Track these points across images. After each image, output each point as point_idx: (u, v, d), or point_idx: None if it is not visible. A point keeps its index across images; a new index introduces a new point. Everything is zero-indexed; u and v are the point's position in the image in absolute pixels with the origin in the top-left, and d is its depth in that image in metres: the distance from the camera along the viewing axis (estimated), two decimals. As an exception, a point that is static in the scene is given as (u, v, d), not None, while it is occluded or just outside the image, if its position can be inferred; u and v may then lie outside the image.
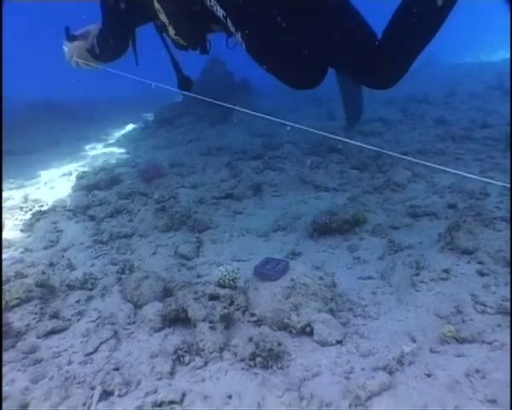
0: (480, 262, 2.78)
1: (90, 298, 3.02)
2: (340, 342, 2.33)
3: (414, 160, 2.03)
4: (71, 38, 2.91)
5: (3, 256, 3.70)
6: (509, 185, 1.98)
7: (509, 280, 2.52)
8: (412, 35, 2.09)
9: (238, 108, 2.34)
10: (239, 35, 2.18)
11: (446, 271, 2.75)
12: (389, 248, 3.33)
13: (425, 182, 4.69)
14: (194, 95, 2.76)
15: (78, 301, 2.96)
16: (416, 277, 2.78)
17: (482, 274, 2.68)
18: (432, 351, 2.15)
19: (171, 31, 2.46)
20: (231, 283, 2.71)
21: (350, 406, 1.90)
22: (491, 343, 2.11)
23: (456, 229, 3.01)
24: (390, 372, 2.03)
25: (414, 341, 2.26)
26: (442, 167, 1.84)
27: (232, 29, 2.19)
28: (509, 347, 2.05)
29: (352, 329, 2.45)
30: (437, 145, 5.98)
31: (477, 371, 1.94)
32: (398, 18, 2.13)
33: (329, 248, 3.52)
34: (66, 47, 2.95)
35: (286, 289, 2.52)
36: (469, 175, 1.79)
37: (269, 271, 2.61)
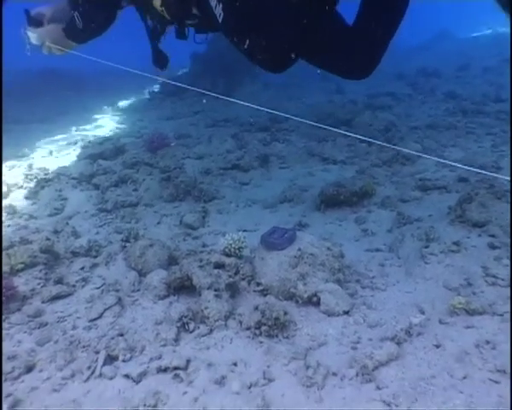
0: (492, 235, 2.72)
1: (94, 265, 3.00)
2: (347, 313, 2.30)
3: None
4: (35, 22, 2.57)
5: (8, 222, 3.69)
6: (509, 179, 1.93)
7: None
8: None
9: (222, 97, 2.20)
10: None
11: (457, 243, 2.69)
12: (398, 220, 3.27)
13: (435, 155, 4.57)
14: (174, 82, 2.64)
15: (82, 268, 2.94)
16: (425, 249, 2.72)
17: (494, 247, 2.62)
18: (441, 322, 2.11)
19: (157, 1, 2.31)
20: (237, 252, 2.67)
21: (357, 375, 1.87)
22: (502, 315, 2.07)
23: (468, 201, 2.93)
24: (398, 343, 2.00)
25: (422, 312, 2.22)
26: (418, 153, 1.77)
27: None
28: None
29: (359, 300, 2.41)
30: (448, 119, 5.85)
31: (487, 342, 1.90)
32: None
33: (337, 220, 3.47)
34: (34, 32, 2.59)
35: (293, 258, 2.48)
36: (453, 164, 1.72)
37: (276, 240, 2.57)
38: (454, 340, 1.98)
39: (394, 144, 4.99)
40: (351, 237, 3.19)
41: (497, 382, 1.71)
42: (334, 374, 1.91)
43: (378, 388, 1.80)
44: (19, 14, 2.62)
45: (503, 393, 1.65)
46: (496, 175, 2.01)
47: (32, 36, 2.59)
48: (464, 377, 1.76)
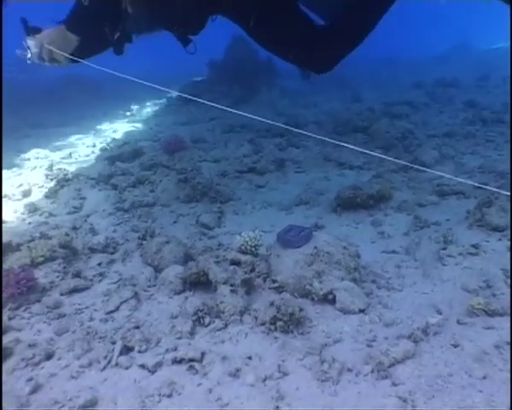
0: (512, 239, 2.68)
1: (111, 261, 3.04)
2: (362, 311, 2.28)
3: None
4: (33, 29, 2.43)
5: (29, 220, 3.77)
6: (509, 194, 1.93)
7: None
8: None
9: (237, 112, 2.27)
10: None
11: (475, 246, 2.66)
12: (415, 224, 3.24)
13: (453, 163, 4.55)
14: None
15: (99, 264, 2.99)
16: (442, 251, 2.69)
17: (514, 251, 2.58)
18: (459, 323, 2.08)
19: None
20: (253, 249, 2.68)
21: (372, 371, 1.86)
22: (523, 317, 2.03)
23: (488, 205, 2.90)
24: (414, 341, 1.97)
25: (440, 313, 2.20)
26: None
27: None
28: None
29: (375, 299, 2.39)
30: (466, 128, 5.80)
31: (507, 343, 1.87)
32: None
33: (353, 223, 3.46)
34: (32, 40, 2.42)
35: (309, 256, 2.48)
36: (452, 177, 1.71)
37: (292, 237, 2.57)
38: (473, 340, 1.95)
39: (412, 151, 4.97)
40: (367, 239, 3.17)
41: (518, 381, 1.68)
42: (350, 370, 1.90)
43: (394, 384, 1.78)
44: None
45: (525, 392, 1.62)
46: (495, 190, 2.00)
47: (31, 43, 2.43)
48: (484, 377, 1.73)
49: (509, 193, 1.88)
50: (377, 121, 6.22)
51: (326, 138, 2.13)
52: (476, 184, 1.92)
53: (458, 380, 1.73)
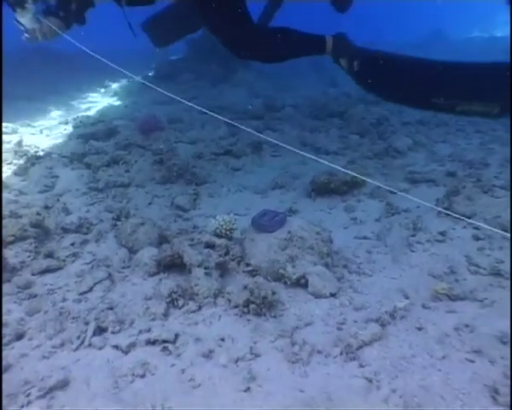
0: (477, 227, 2.79)
1: (84, 242, 3.01)
2: (333, 295, 2.35)
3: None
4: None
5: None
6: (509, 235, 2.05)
7: (503, 245, 2.54)
8: None
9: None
10: None
11: (442, 233, 2.77)
12: (386, 210, 3.34)
13: (425, 150, 4.66)
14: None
15: (72, 244, 2.95)
16: (412, 237, 2.79)
17: (478, 238, 2.69)
18: (424, 307, 2.18)
19: None
20: (228, 233, 2.71)
21: (341, 353, 1.93)
22: (481, 301, 2.15)
23: (455, 194, 3.00)
24: (382, 325, 2.06)
25: (407, 297, 2.29)
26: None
27: None
28: (498, 304, 2.09)
29: (346, 284, 2.47)
30: (439, 116, 5.91)
31: (466, 325, 1.98)
32: None
33: (327, 208, 3.52)
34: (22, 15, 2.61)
35: (283, 240, 2.52)
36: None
37: (266, 222, 2.61)
38: (436, 323, 2.05)
39: (386, 138, 5.06)
40: (340, 224, 3.25)
41: (472, 361, 1.79)
42: (319, 352, 1.96)
43: (361, 365, 1.86)
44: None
45: (478, 371, 1.73)
46: (496, 230, 2.08)
47: (22, 19, 2.58)
48: (443, 357, 1.83)
49: (508, 234, 1.98)
50: (353, 107, 6.28)
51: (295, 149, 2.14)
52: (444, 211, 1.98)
53: (420, 361, 1.82)
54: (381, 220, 3.25)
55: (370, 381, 1.76)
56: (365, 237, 3.03)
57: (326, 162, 2.36)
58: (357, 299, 2.33)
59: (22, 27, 2.63)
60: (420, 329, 2.03)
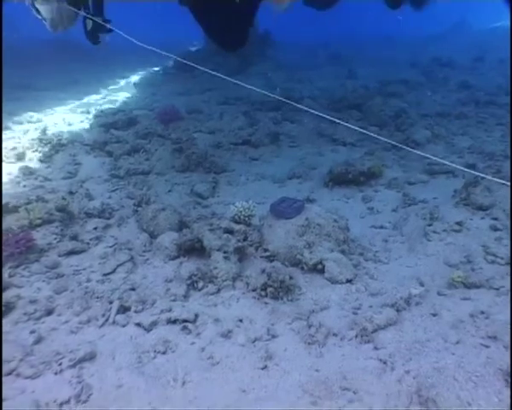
0: (495, 218, 2.80)
1: (107, 226, 3.10)
2: (350, 281, 2.40)
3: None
4: None
5: (24, 183, 3.79)
6: (508, 184, 2.03)
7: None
8: None
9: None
10: None
11: (459, 223, 2.77)
12: (403, 201, 3.35)
13: (444, 143, 4.63)
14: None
15: (95, 228, 3.05)
16: (428, 227, 2.81)
17: (495, 229, 2.70)
18: (439, 294, 2.21)
19: None
20: (246, 219, 2.77)
21: (356, 336, 1.98)
22: (498, 289, 2.17)
23: (474, 185, 3.00)
24: (397, 310, 2.10)
25: (422, 285, 2.32)
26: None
27: None
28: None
29: (362, 271, 2.51)
30: (459, 109, 5.86)
31: (481, 312, 2.00)
32: None
33: (344, 198, 3.55)
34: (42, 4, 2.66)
35: (300, 227, 2.57)
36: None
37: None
38: (451, 310, 2.08)
39: (404, 130, 5.03)
40: (357, 213, 3.27)
41: (487, 346, 1.82)
42: (335, 335, 2.02)
43: (376, 348, 1.91)
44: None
45: (492, 355, 1.75)
46: (493, 179, 2.08)
47: (42, 8, 2.64)
48: (457, 342, 1.86)
49: (508, 183, 1.98)
50: (371, 99, 6.25)
51: (324, 115, 2.19)
52: (461, 168, 2.00)
53: (434, 345, 1.86)
54: (397, 210, 3.27)
55: (385, 362, 1.81)
56: (382, 227, 3.05)
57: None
58: (372, 285, 2.37)
59: (40, 17, 2.71)
60: (435, 315, 2.06)
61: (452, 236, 2.70)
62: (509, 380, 1.62)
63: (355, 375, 1.77)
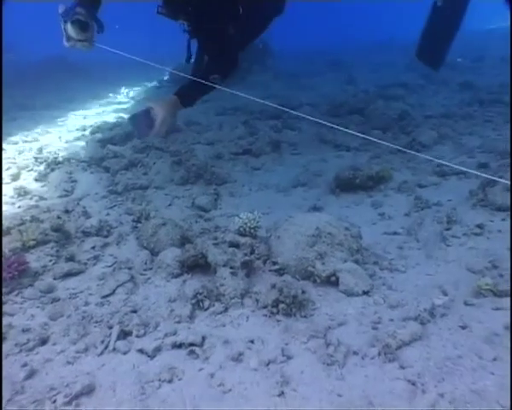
0: (517, 219, 2.63)
1: (105, 245, 2.94)
2: (366, 293, 2.23)
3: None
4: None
5: (19, 203, 3.65)
6: (509, 183, 1.91)
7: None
8: None
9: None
10: None
11: (480, 226, 2.61)
12: (415, 205, 3.19)
13: (452, 143, 4.49)
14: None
15: (93, 247, 2.89)
16: (446, 231, 2.65)
17: (519, 230, 2.53)
18: (466, 304, 2.04)
19: None
20: (252, 231, 2.61)
21: (379, 354, 1.81)
22: (532, 297, 1.99)
23: (492, 185, 2.84)
24: (421, 323, 1.93)
25: (445, 294, 2.15)
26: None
27: None
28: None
29: (378, 281, 2.34)
30: (464, 109, 5.73)
31: (519, 323, 1.83)
32: None
33: (352, 204, 3.40)
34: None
35: (311, 237, 2.41)
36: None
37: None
38: (482, 322, 1.91)
39: (410, 132, 4.90)
40: (367, 220, 3.12)
41: (530, 362, 1.64)
42: (355, 353, 1.85)
43: (402, 367, 1.73)
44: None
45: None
46: (495, 178, 1.95)
47: (74, 33, 2.68)
48: (494, 359, 1.68)
49: (507, 181, 1.85)
50: (373, 103, 6.14)
51: (322, 121, 2.07)
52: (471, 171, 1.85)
53: (468, 362, 1.68)
54: (410, 215, 3.11)
55: (414, 384, 1.63)
56: (395, 233, 2.89)
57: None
58: (391, 296, 2.20)
59: (63, 29, 2.71)
60: (464, 327, 1.89)
61: (473, 239, 2.54)
62: None
63: (382, 399, 1.59)
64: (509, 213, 2.70)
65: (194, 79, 2.90)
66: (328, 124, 2.20)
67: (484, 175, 1.90)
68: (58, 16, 2.70)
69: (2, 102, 5.12)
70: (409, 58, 10.84)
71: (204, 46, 3.44)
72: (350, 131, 2.19)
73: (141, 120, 3.02)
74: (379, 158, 4.20)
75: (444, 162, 2.19)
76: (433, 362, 1.72)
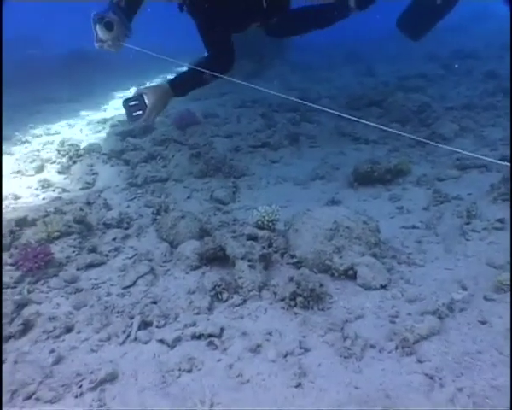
0: (540, 213, 2.59)
1: (126, 236, 3.00)
2: (384, 287, 2.23)
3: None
4: (109, 25, 2.91)
5: (43, 195, 3.74)
6: (509, 164, 1.87)
7: None
8: None
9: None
10: None
11: (501, 221, 2.58)
12: (435, 198, 3.16)
13: (473, 136, 4.40)
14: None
15: (114, 239, 2.95)
16: (466, 226, 2.62)
17: (542, 225, 2.49)
18: (486, 299, 2.03)
19: None
20: (270, 224, 2.63)
21: (396, 348, 1.82)
22: (554, 293, 1.96)
23: (514, 178, 2.79)
24: (440, 317, 1.93)
25: (465, 289, 2.14)
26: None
27: None
28: None
29: (396, 275, 2.34)
30: (486, 99, 5.60)
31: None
32: None
33: (370, 198, 3.38)
34: (103, 32, 2.92)
35: (328, 231, 2.42)
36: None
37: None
38: (502, 317, 1.89)
39: (429, 125, 4.82)
40: (385, 214, 3.10)
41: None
42: (373, 346, 1.86)
43: (419, 361, 1.74)
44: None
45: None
46: (494, 161, 1.92)
47: (102, 33, 2.91)
48: (516, 355, 1.68)
49: (508, 163, 1.81)
50: (392, 95, 6.05)
51: (341, 114, 2.06)
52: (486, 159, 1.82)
53: (488, 358, 1.68)
54: (429, 209, 3.08)
55: (431, 378, 1.64)
56: (414, 227, 2.87)
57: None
58: (409, 291, 2.20)
59: (96, 35, 2.95)
60: (483, 322, 1.88)
61: (494, 234, 2.51)
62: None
63: (399, 392, 1.61)
64: None
65: (190, 68, 3.19)
66: (347, 116, 2.18)
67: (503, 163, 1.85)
68: (90, 19, 2.89)
69: (3, 103, 5.21)
70: (428, 48, 10.67)
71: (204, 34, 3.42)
72: (370, 123, 2.15)
73: (133, 104, 3.13)
74: (397, 151, 4.16)
75: (462, 151, 2.16)
76: (451, 357, 1.73)
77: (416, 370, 1.70)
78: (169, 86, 3.24)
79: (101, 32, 2.91)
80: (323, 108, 2.31)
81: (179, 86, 3.30)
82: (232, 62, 3.42)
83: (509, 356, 1.67)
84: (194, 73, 3.19)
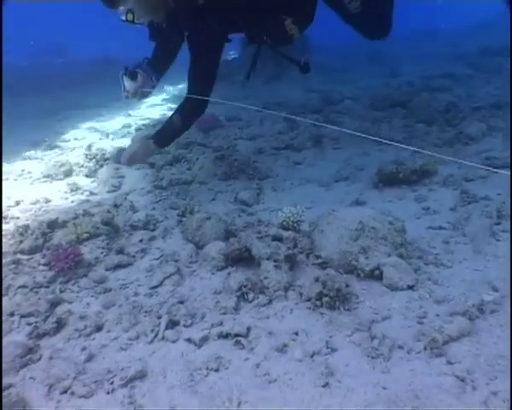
0: None
1: (152, 238, 3.05)
2: (411, 288, 2.21)
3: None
4: (133, 75, 3.22)
5: (72, 198, 3.85)
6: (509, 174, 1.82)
7: None
8: None
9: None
10: None
11: (532, 221, 2.51)
12: (462, 199, 3.09)
13: (503, 135, 4.29)
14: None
15: (141, 241, 3.00)
16: (496, 226, 2.56)
17: None
18: (518, 300, 1.98)
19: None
20: (295, 225, 2.64)
21: (425, 349, 1.79)
22: None
23: (545, 178, 2.71)
24: (470, 319, 1.89)
25: (496, 290, 2.09)
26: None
27: None
28: None
29: (423, 275, 2.31)
30: (516, 98, 5.45)
31: None
32: None
33: (395, 199, 3.34)
34: (128, 82, 3.22)
35: (354, 231, 2.41)
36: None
37: None
38: (537, 319, 1.84)
39: (456, 125, 4.73)
40: (411, 214, 3.06)
41: None
42: (401, 347, 1.84)
43: (449, 362, 1.71)
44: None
45: None
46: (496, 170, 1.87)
47: (127, 84, 3.23)
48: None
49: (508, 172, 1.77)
50: (417, 95, 5.96)
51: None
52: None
53: (522, 360, 1.64)
54: (456, 209, 3.02)
55: (463, 380, 1.61)
56: (440, 227, 2.82)
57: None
58: (437, 291, 2.16)
59: (123, 86, 3.24)
60: (516, 324, 1.83)
61: (525, 234, 2.45)
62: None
63: (429, 393, 1.59)
64: None
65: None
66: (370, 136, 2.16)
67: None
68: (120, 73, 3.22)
69: (3, 103, 5.37)
70: (455, 48, 10.49)
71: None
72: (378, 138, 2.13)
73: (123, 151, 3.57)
74: (423, 152, 4.08)
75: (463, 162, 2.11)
76: (483, 359, 1.69)
77: (446, 371, 1.67)
78: (153, 142, 3.38)
79: (126, 82, 3.18)
80: (319, 124, 2.29)
81: (162, 140, 3.46)
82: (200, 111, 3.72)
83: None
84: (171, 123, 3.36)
